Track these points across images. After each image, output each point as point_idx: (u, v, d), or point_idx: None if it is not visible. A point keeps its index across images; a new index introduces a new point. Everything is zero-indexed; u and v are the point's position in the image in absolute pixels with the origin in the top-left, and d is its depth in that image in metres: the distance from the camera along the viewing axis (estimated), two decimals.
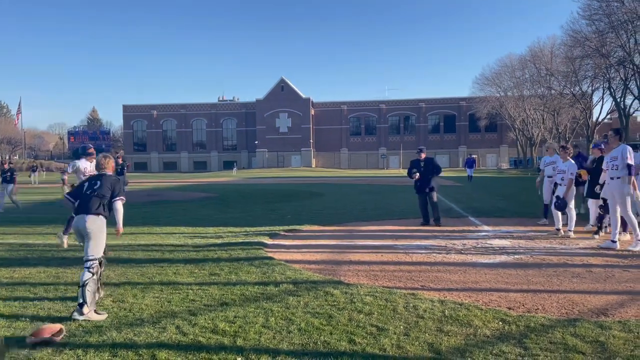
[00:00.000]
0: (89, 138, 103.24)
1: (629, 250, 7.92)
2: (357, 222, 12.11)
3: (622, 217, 8.33)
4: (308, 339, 4.13)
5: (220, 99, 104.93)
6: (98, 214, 5.18)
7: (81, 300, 4.74)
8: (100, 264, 5.13)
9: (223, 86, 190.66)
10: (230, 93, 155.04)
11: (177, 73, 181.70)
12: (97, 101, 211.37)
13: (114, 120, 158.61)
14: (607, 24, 35.39)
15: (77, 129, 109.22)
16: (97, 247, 5.12)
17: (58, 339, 4.12)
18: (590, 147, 10.62)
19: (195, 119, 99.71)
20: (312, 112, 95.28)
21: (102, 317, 4.74)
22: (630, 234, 8.55)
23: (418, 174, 11.25)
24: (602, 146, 9.63)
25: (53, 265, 7.14)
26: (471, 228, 10.80)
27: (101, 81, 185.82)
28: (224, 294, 5.51)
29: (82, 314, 4.68)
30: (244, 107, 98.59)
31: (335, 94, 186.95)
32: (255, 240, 9.17)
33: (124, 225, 5.62)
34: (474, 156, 38.08)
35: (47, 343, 4.05)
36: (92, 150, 8.77)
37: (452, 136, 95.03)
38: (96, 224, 5.14)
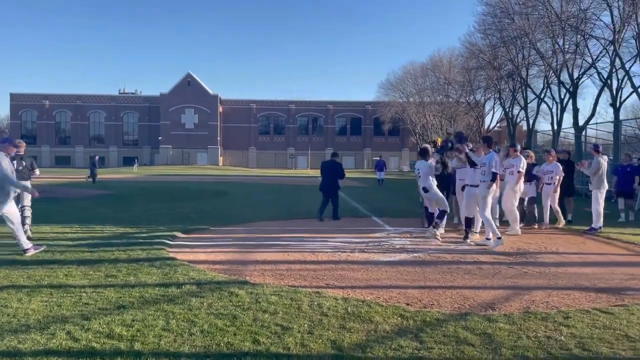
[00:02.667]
0: None
1: (485, 246, 8.79)
2: (264, 222, 12.07)
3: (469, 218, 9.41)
4: (211, 340, 4.05)
5: (121, 91, 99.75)
6: (28, 179, 9.38)
7: (28, 222, 9.27)
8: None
9: (124, 78, 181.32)
10: (132, 86, 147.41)
11: (72, 62, 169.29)
12: None
13: None
14: (499, 38, 38.16)
15: None
16: (28, 198, 9.31)
17: None
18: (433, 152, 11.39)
19: (93, 112, 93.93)
20: (220, 109, 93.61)
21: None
22: (482, 233, 9.65)
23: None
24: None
25: None
26: (374, 228, 11.19)
27: None
28: (121, 297, 5.24)
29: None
30: (147, 100, 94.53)
31: (244, 92, 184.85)
32: (157, 240, 8.82)
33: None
34: (383, 159, 37.30)
35: None
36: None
37: (358, 138, 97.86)
38: (28, 185, 8.88)
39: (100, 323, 4.41)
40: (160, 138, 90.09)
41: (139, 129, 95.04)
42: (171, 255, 7.57)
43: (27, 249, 7.39)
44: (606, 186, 10.97)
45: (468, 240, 9.23)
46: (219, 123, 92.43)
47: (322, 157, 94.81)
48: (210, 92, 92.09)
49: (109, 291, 5.46)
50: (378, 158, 36.23)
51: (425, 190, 9.80)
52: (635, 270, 7.11)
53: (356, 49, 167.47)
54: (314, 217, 12.41)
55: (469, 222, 9.42)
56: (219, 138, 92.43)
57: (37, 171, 10.01)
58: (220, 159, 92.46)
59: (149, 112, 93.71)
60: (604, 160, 11.01)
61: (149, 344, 3.96)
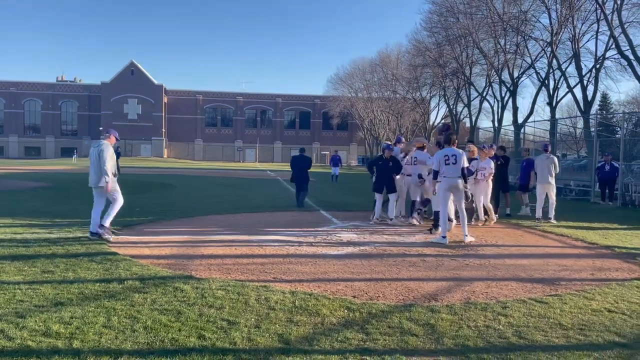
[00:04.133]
0: None
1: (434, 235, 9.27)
2: (212, 215, 11.89)
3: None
4: (154, 337, 3.95)
5: (59, 79, 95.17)
6: None
7: None
8: None
9: (63, 66, 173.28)
10: (71, 73, 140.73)
11: (7, 47, 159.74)
12: None
13: None
14: (445, 37, 39.19)
15: None
16: None
17: None
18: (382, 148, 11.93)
19: (28, 100, 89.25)
20: (165, 99, 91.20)
21: None
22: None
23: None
24: (391, 147, 11.30)
25: None
26: (322, 221, 11.25)
27: None
28: (58, 294, 5.02)
29: None
30: (87, 89, 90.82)
31: (190, 83, 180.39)
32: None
33: None
34: (339, 154, 34.53)
35: None
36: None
37: (306, 132, 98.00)
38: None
39: (36, 321, 4.21)
40: (101, 128, 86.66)
41: (79, 118, 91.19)
42: (113, 250, 7.32)
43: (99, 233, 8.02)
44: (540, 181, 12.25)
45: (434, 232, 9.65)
46: (163, 114, 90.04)
47: (271, 151, 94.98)
48: (155, 82, 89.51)
49: (45, 287, 5.22)
50: (334, 153, 35.18)
51: (420, 177, 10.75)
52: (567, 261, 7.52)
53: (306, 43, 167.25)
54: (267, 212, 12.42)
55: (437, 215, 9.77)
56: (163, 129, 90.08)
57: None
58: (165, 151, 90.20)
59: (89, 101, 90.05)
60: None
61: (88, 341, 3.82)
